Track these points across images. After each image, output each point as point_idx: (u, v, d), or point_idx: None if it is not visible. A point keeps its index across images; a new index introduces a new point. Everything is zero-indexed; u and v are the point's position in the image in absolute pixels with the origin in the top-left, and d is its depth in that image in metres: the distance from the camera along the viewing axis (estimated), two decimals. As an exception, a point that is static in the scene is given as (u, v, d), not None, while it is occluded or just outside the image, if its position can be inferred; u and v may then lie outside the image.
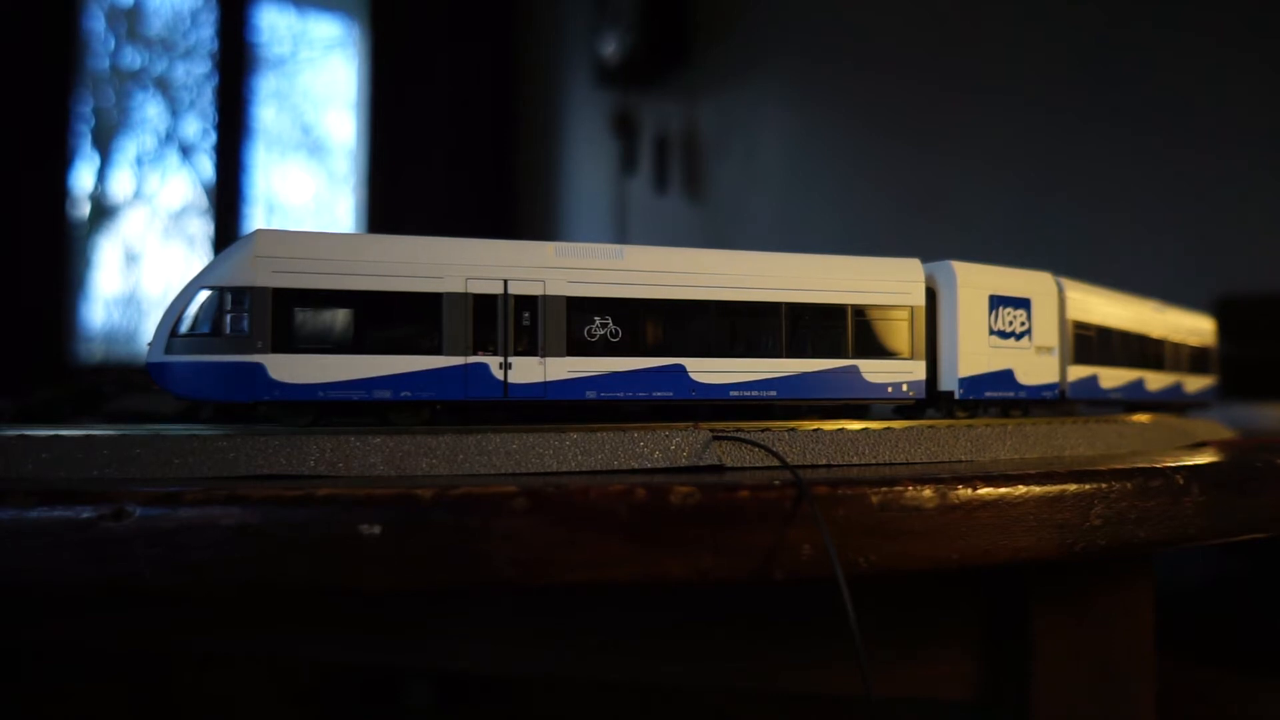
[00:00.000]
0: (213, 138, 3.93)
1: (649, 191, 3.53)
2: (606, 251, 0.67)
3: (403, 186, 4.13)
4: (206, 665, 1.55)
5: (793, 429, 0.64)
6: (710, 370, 0.68)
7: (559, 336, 0.64)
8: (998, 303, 0.77)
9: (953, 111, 2.42)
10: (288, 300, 0.59)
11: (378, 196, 4.16)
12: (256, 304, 0.59)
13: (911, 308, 0.74)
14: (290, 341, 0.59)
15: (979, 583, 0.71)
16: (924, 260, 0.78)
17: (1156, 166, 1.95)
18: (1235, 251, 1.81)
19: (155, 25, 3.96)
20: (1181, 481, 0.59)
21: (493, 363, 0.63)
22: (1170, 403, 1.04)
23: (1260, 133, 1.78)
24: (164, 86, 3.95)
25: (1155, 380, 0.97)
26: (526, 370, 0.64)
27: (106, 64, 3.85)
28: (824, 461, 0.62)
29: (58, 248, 3.49)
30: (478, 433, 0.58)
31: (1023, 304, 0.78)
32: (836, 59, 2.81)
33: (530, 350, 0.64)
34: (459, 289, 0.62)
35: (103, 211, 3.86)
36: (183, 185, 3.99)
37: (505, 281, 0.63)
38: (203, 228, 4.00)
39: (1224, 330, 1.71)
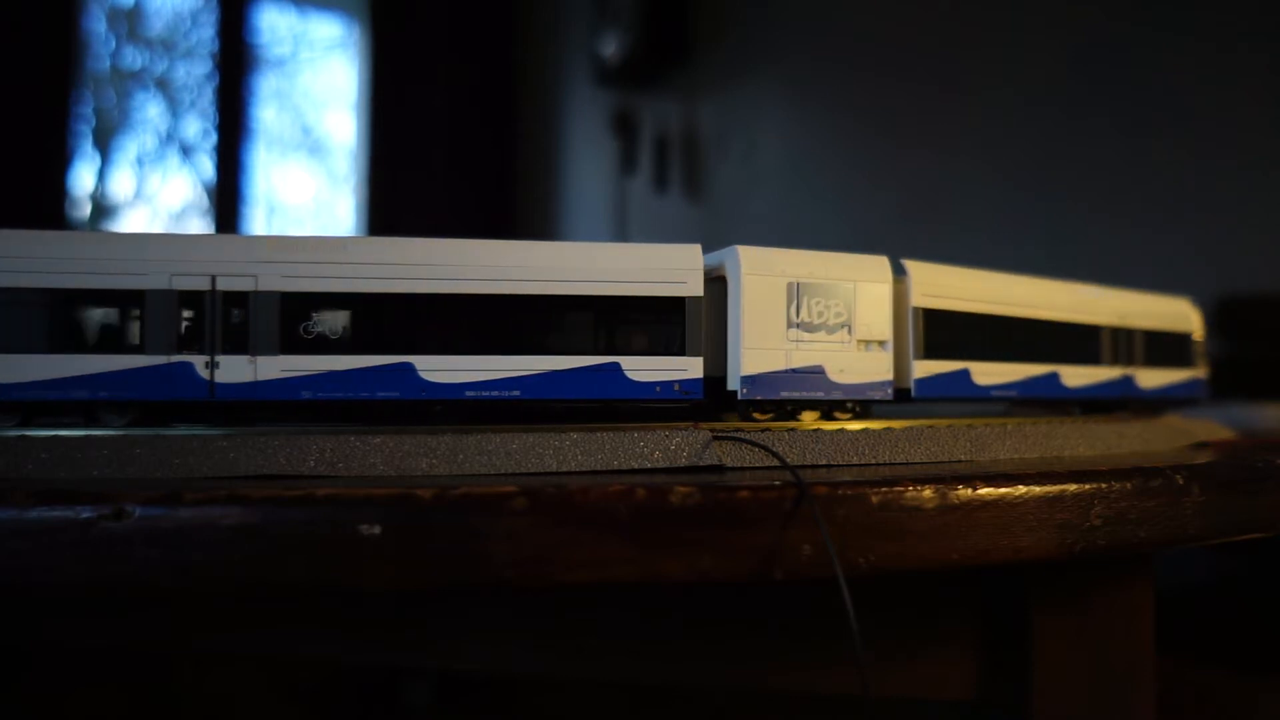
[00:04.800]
0: (213, 138, 3.93)
1: (649, 191, 3.53)
2: (329, 244, 0.64)
3: (403, 187, 4.13)
4: (206, 665, 1.55)
5: (793, 429, 0.64)
6: (443, 369, 0.64)
7: (272, 334, 0.61)
8: (802, 292, 0.69)
9: (953, 111, 2.42)
10: None
11: (378, 196, 4.16)
12: None
13: (687, 299, 0.67)
14: None
15: (979, 583, 0.71)
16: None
17: (1157, 166, 1.95)
18: (1235, 251, 1.82)
19: (155, 25, 3.96)
20: (1181, 481, 0.59)
21: (198, 362, 0.61)
22: (1114, 401, 0.92)
23: (1261, 132, 1.78)
24: (164, 86, 3.95)
25: (1081, 375, 0.86)
26: (235, 370, 0.61)
27: (106, 64, 3.85)
28: (824, 461, 0.62)
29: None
30: (478, 433, 0.58)
31: (840, 292, 0.70)
32: (837, 59, 2.81)
33: (240, 349, 0.61)
34: (163, 285, 0.61)
35: (103, 211, 3.86)
36: (183, 185, 3.99)
37: (213, 278, 0.61)
38: (203, 228, 4.00)
39: (1224, 330, 1.71)
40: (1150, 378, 0.93)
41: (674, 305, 0.67)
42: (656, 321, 0.67)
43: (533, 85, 4.47)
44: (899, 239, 2.49)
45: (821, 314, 0.69)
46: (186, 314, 0.61)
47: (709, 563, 0.49)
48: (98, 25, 3.79)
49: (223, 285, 0.61)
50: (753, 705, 1.40)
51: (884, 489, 0.52)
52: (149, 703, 1.53)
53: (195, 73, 3.99)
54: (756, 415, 0.69)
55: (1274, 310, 1.71)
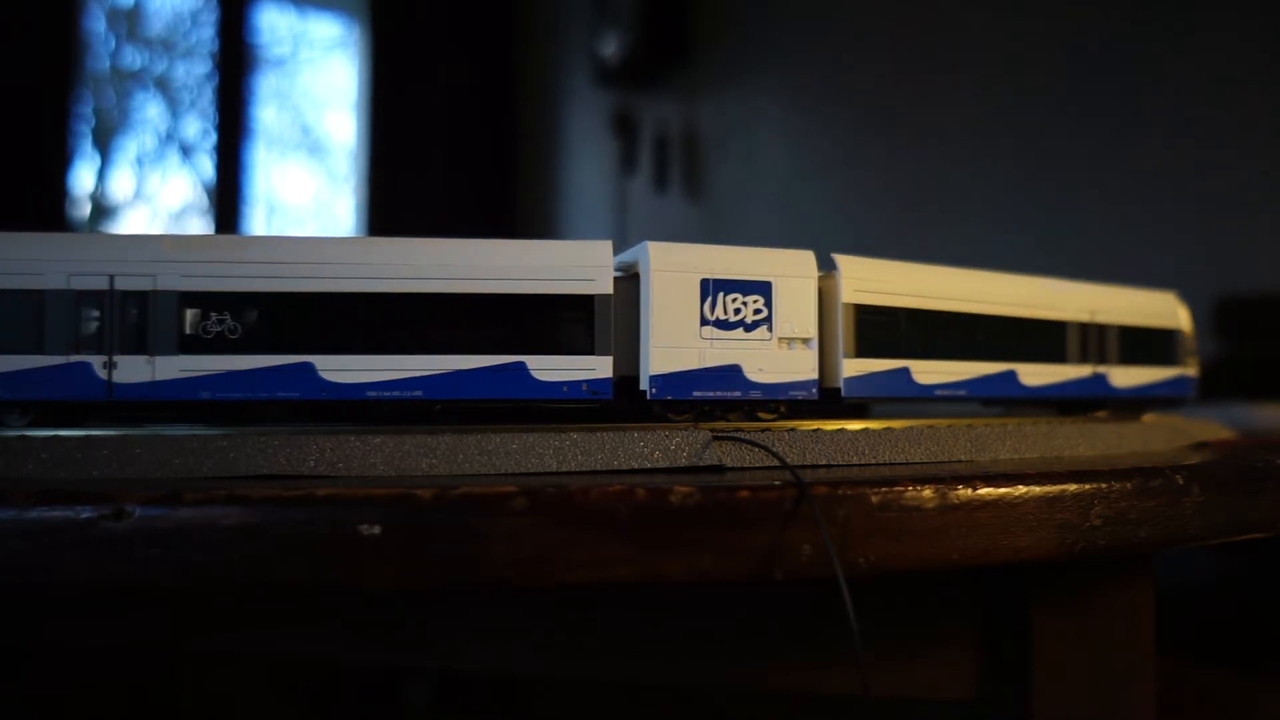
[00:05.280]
0: (213, 138, 3.93)
1: (649, 191, 3.53)
2: (229, 244, 0.63)
3: (402, 187, 4.13)
4: (206, 665, 1.55)
5: (793, 429, 0.64)
6: (344, 369, 0.63)
7: (170, 334, 0.61)
8: (717, 288, 0.67)
9: (953, 110, 2.42)
10: None
11: (378, 197, 4.16)
12: None
13: (595, 296, 0.65)
14: None
15: (979, 583, 0.71)
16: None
17: (1157, 165, 1.95)
18: (1235, 251, 1.82)
19: (155, 25, 3.96)
20: (1181, 481, 0.59)
21: (96, 362, 0.61)
22: (1085, 400, 0.88)
23: (1262, 131, 1.78)
24: (164, 86, 3.95)
25: (1042, 373, 0.82)
26: (133, 370, 0.61)
27: (106, 64, 3.85)
28: (824, 461, 0.62)
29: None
30: (478, 433, 0.58)
31: (759, 289, 0.68)
32: (837, 58, 2.81)
33: (139, 349, 0.61)
34: (61, 285, 0.60)
35: (103, 211, 3.87)
36: (183, 185, 3.99)
37: (112, 277, 0.61)
38: (203, 228, 4.00)
39: (1224, 330, 1.71)
40: (1126, 376, 0.89)
41: (582, 303, 0.65)
42: (564, 320, 0.66)
43: (533, 85, 4.47)
44: (900, 237, 2.49)
45: (738, 311, 0.67)
46: (85, 314, 0.61)
47: (709, 563, 0.49)
48: (98, 25, 3.79)
49: (121, 285, 0.61)
50: (753, 705, 1.40)
51: (884, 489, 0.52)
52: (149, 703, 1.53)
53: (195, 73, 3.99)
54: (671, 416, 0.67)
55: (1274, 310, 1.71)
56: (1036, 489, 0.55)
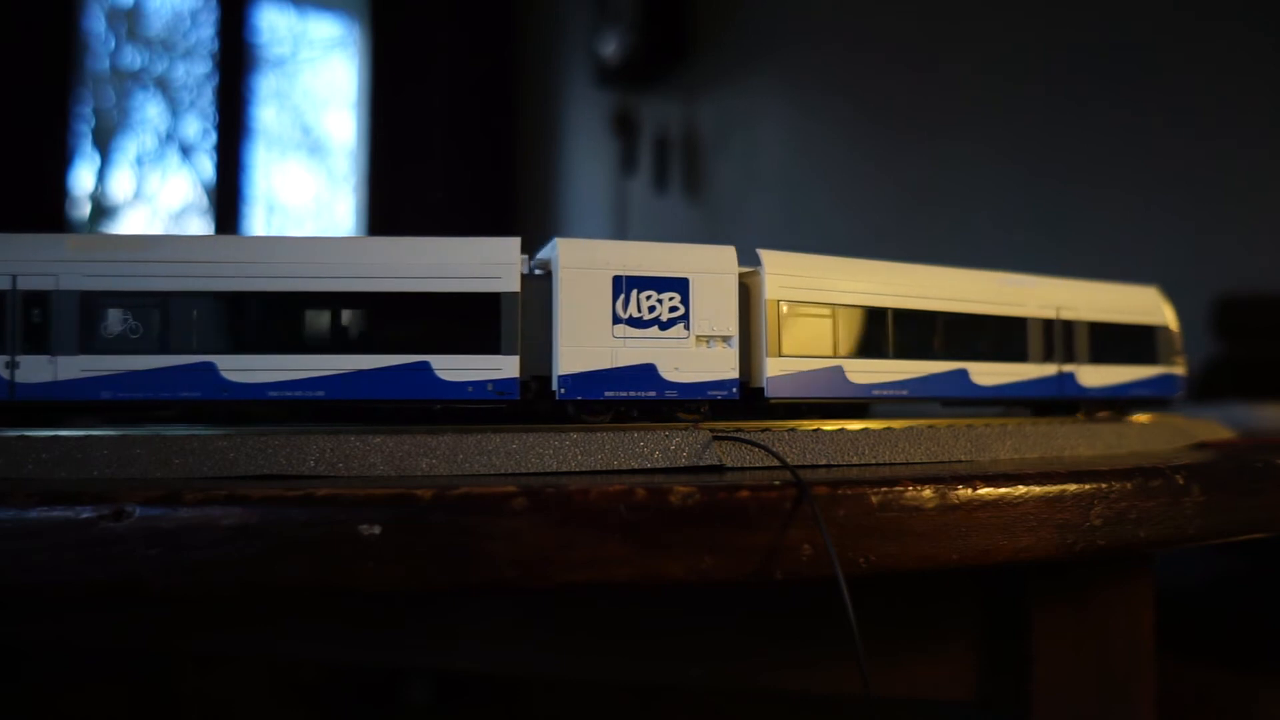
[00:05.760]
0: (213, 138, 3.93)
1: (649, 191, 3.53)
2: (131, 243, 0.63)
3: (403, 186, 4.14)
4: (206, 665, 1.55)
5: (793, 429, 0.64)
6: (245, 369, 0.62)
7: (71, 334, 0.61)
8: (630, 285, 0.65)
9: (953, 109, 2.43)
10: None
11: (378, 196, 4.16)
12: None
13: (502, 294, 0.64)
14: None
15: (979, 583, 0.71)
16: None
17: (1158, 165, 1.95)
18: (1235, 251, 1.82)
19: (155, 25, 3.96)
20: (1181, 481, 0.59)
21: None
22: (1049, 401, 0.84)
23: (1262, 131, 1.78)
24: (164, 86, 3.95)
25: (997, 372, 0.79)
26: (35, 370, 0.61)
27: (106, 64, 3.85)
28: (824, 461, 0.62)
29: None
30: (478, 433, 0.58)
31: (675, 285, 0.66)
32: (837, 57, 2.81)
33: (41, 349, 0.61)
34: None
35: (103, 211, 3.87)
36: (183, 185, 4.00)
37: (14, 277, 0.61)
38: (203, 228, 4.01)
39: (1224, 330, 1.71)
40: (1097, 375, 0.85)
41: (488, 301, 0.64)
42: (470, 319, 0.64)
43: (533, 85, 4.47)
44: (900, 236, 2.49)
45: (653, 309, 0.66)
46: None
47: (709, 563, 0.49)
48: (98, 25, 3.79)
49: (23, 284, 0.61)
50: (752, 705, 1.40)
51: (884, 489, 0.52)
52: (149, 703, 1.53)
53: (195, 72, 3.99)
54: (586, 417, 0.65)
55: (1273, 310, 1.71)
56: (1036, 489, 0.55)
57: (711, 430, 0.61)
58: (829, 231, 2.79)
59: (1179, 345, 0.91)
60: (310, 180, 4.42)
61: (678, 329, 0.66)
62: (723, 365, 0.67)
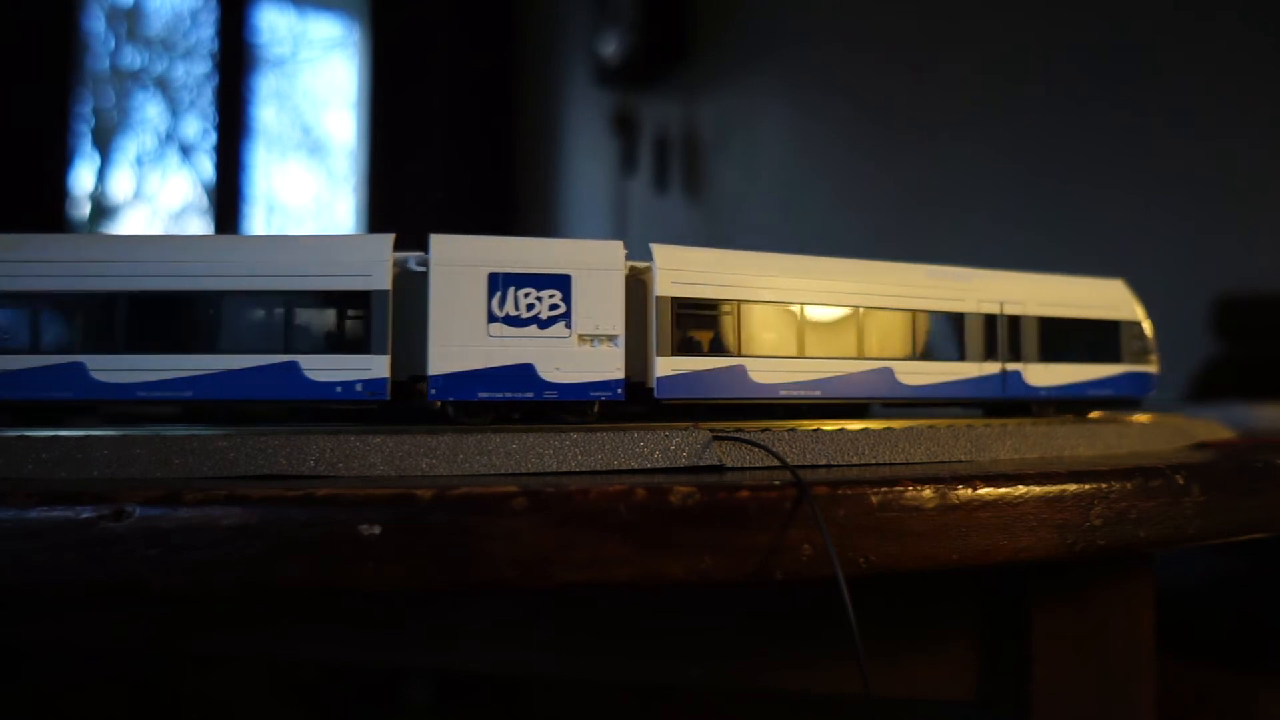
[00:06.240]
0: (213, 138, 3.93)
1: (649, 191, 3.53)
2: (2, 243, 0.63)
3: (402, 186, 4.14)
4: (206, 665, 1.55)
5: (793, 429, 0.64)
6: (114, 369, 0.62)
7: None
8: (507, 283, 0.63)
9: (953, 109, 2.43)
10: None
11: (378, 196, 4.16)
12: None
13: (372, 293, 0.63)
14: None
15: (979, 583, 0.71)
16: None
17: (1158, 165, 1.95)
18: (1235, 251, 1.82)
19: (155, 25, 3.96)
20: (1181, 481, 0.59)
21: None
22: (994, 402, 0.79)
23: (1262, 131, 1.78)
24: (164, 86, 3.95)
25: (928, 372, 0.75)
26: None
27: (106, 64, 3.85)
28: (824, 461, 0.62)
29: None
30: (478, 433, 0.58)
31: (556, 282, 0.64)
32: (837, 57, 2.81)
33: None
34: None
35: (103, 211, 3.87)
36: (183, 185, 4.00)
37: None
38: (203, 228, 4.00)
39: (1224, 330, 1.71)
40: (1048, 374, 0.80)
41: (358, 300, 0.63)
42: (340, 318, 0.63)
43: (533, 85, 4.47)
44: (901, 236, 2.49)
45: (532, 307, 0.64)
46: None
47: (709, 563, 0.49)
48: (98, 25, 3.79)
49: None
50: (752, 705, 1.40)
51: (884, 489, 0.52)
52: (149, 703, 1.53)
53: (195, 72, 3.99)
54: (465, 418, 0.64)
55: (1273, 310, 1.71)
56: (1036, 489, 0.55)
57: (711, 430, 0.61)
58: (829, 231, 2.79)
59: (1150, 341, 0.86)
60: (310, 180, 4.42)
61: (558, 328, 0.64)
62: (607, 365, 0.65)
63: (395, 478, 0.55)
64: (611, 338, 0.65)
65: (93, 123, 3.78)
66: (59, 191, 3.51)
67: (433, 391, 0.63)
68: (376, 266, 0.63)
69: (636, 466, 0.59)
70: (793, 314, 0.71)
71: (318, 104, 4.41)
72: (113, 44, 3.86)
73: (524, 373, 0.64)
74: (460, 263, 0.63)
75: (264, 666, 1.56)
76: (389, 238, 0.64)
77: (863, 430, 0.65)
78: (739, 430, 0.62)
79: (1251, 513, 0.63)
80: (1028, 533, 0.54)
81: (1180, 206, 1.90)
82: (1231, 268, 1.80)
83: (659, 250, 0.67)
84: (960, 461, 0.66)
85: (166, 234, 0.65)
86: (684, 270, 0.67)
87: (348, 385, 0.63)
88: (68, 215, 3.55)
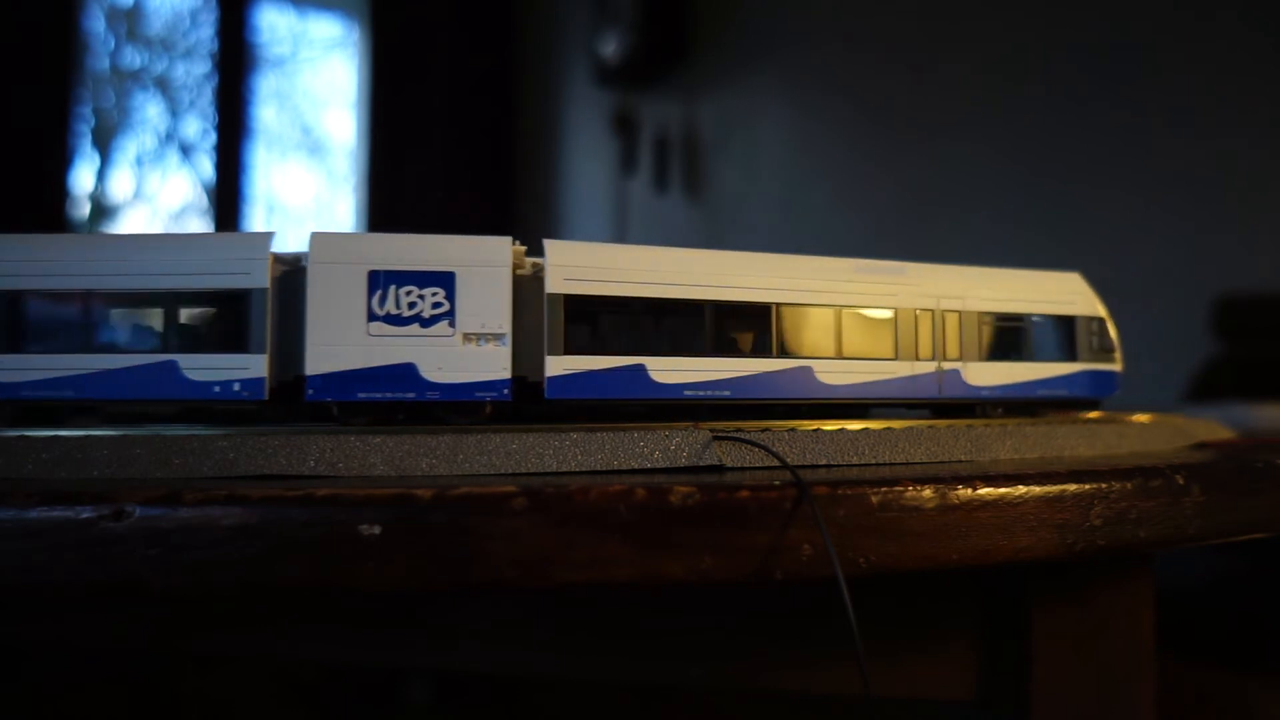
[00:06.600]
0: (213, 138, 3.94)
1: (649, 191, 3.53)
2: None
3: (402, 186, 4.14)
4: (206, 665, 1.55)
5: (793, 429, 0.64)
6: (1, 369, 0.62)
7: None
8: (388, 280, 0.62)
9: (953, 109, 2.43)
10: None
11: (377, 196, 4.16)
12: None
13: (251, 291, 0.62)
14: None
15: (979, 583, 0.71)
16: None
17: (1158, 165, 1.95)
18: (1235, 251, 1.82)
19: (155, 25, 3.96)
20: (1181, 481, 0.59)
21: None
22: (929, 402, 0.75)
23: (1262, 131, 1.78)
24: (164, 86, 3.95)
25: (852, 371, 0.72)
26: None
27: (106, 64, 3.86)
28: (824, 461, 0.62)
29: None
30: (478, 433, 0.58)
31: (438, 280, 0.63)
32: (837, 57, 2.81)
33: None
34: None
35: (103, 211, 3.87)
36: (183, 185, 4.00)
37: None
38: (203, 228, 4.01)
39: (1224, 330, 1.71)
40: (991, 374, 0.76)
41: (236, 298, 0.62)
42: (217, 316, 0.63)
43: (533, 85, 4.47)
44: (901, 236, 2.49)
45: (414, 305, 0.62)
46: None
47: (709, 563, 0.49)
48: (98, 25, 3.79)
49: None
50: (752, 705, 1.40)
51: (884, 489, 0.52)
52: (149, 703, 1.53)
53: (195, 72, 3.99)
54: (349, 418, 0.63)
55: (1273, 310, 1.71)
56: (1036, 489, 0.55)
57: (711, 430, 0.61)
58: (829, 231, 2.79)
59: (1112, 338, 0.81)
60: (310, 180, 4.42)
61: (441, 326, 0.63)
62: (493, 365, 0.63)
63: (395, 478, 0.55)
64: (498, 337, 0.64)
65: (93, 123, 3.78)
66: (59, 191, 3.51)
67: (310, 391, 0.62)
68: (255, 265, 0.62)
69: (636, 466, 0.59)
70: (699, 311, 0.68)
71: (318, 104, 4.41)
72: (113, 44, 3.87)
73: (405, 372, 0.63)
74: (339, 260, 0.62)
75: (264, 666, 1.56)
76: (269, 235, 0.64)
77: (863, 430, 0.65)
78: (739, 430, 0.62)
79: (1251, 513, 0.63)
80: (1028, 533, 0.54)
81: (1180, 206, 1.90)
82: (1231, 268, 1.80)
83: (551, 246, 0.66)
84: (960, 461, 0.66)
85: (46, 234, 0.64)
86: (579, 266, 0.66)
87: (225, 385, 0.62)
88: (68, 215, 3.55)
